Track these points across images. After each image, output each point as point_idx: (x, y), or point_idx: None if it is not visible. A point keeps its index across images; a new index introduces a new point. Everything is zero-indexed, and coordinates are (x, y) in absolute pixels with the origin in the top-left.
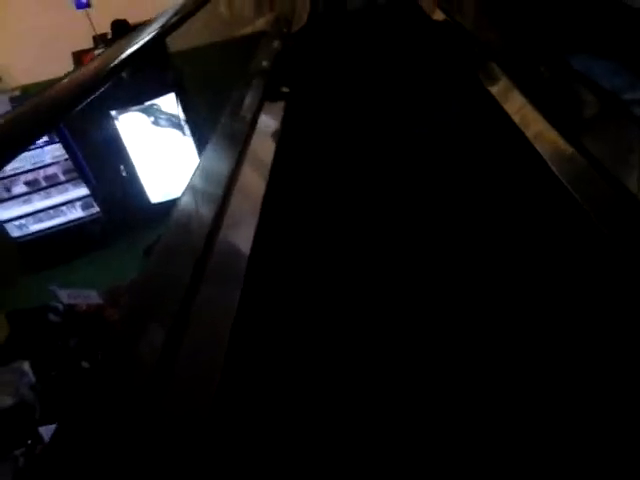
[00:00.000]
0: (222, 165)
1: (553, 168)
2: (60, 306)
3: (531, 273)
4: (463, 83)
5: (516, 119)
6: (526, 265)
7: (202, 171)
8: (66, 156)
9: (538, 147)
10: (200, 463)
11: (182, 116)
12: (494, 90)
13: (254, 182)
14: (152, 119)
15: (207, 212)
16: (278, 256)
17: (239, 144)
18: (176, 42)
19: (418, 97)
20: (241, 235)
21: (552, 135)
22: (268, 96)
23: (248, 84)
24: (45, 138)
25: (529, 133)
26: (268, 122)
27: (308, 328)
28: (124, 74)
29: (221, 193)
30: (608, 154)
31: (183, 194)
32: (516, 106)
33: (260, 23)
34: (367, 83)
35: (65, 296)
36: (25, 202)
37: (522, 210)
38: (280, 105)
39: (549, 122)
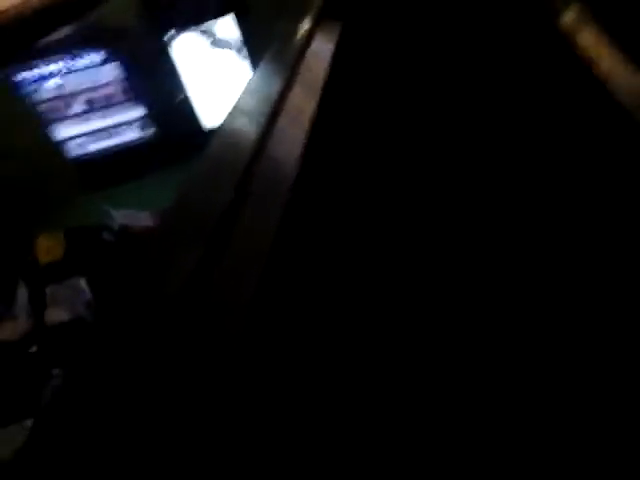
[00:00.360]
0: (270, 86)
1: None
2: (115, 226)
3: None
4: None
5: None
6: None
7: (250, 91)
8: (123, 76)
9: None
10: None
11: (240, 38)
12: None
13: (303, 105)
14: (210, 41)
15: (252, 133)
16: (321, 183)
17: (289, 65)
18: None
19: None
20: (286, 158)
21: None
22: (326, 15)
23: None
24: (102, 56)
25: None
26: (324, 44)
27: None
28: None
29: (267, 114)
30: None
31: (229, 113)
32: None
33: None
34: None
35: (119, 217)
36: (83, 121)
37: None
38: (337, 25)
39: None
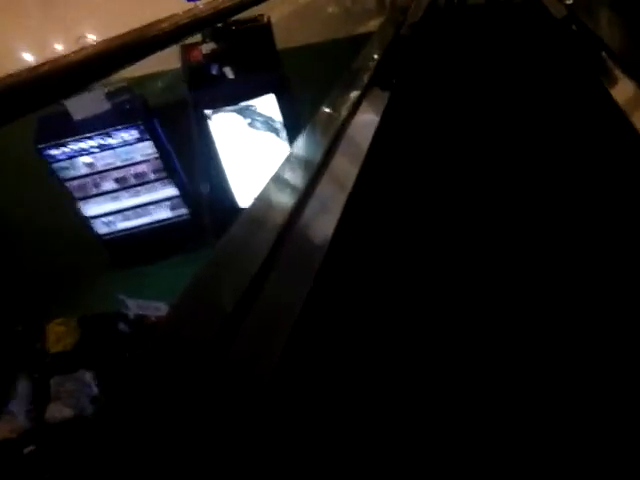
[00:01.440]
0: (310, 156)
1: None
2: (131, 314)
3: None
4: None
5: None
6: None
7: (288, 162)
8: (156, 154)
9: None
10: None
11: (280, 119)
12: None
13: (344, 174)
14: (248, 121)
15: (288, 201)
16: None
17: (332, 136)
18: (285, 38)
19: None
20: (319, 231)
21: None
22: (373, 87)
23: (353, 75)
24: (137, 135)
25: None
26: (369, 114)
27: None
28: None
29: (304, 186)
30: None
31: (266, 184)
32: None
33: (375, 23)
34: (481, 80)
35: (134, 306)
36: (113, 199)
37: None
38: (385, 96)
39: None
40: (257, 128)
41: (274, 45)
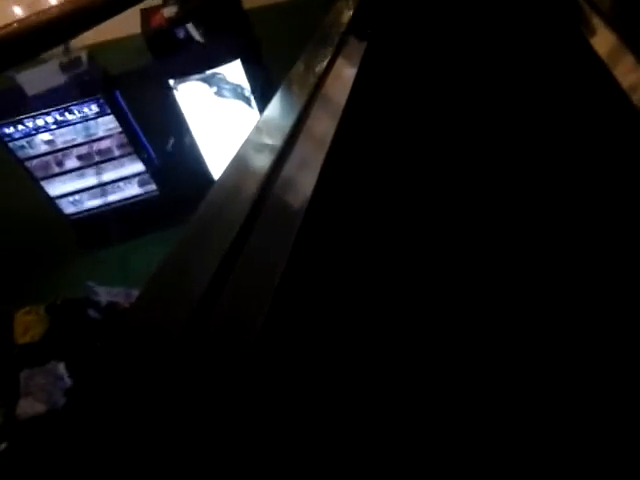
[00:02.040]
0: (283, 118)
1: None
2: (102, 301)
3: None
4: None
5: None
6: None
7: (260, 127)
8: (120, 129)
9: None
10: None
11: (249, 86)
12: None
13: (319, 134)
14: (215, 89)
15: (262, 167)
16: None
17: (305, 96)
18: None
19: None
20: (300, 188)
21: None
22: (347, 41)
23: (326, 31)
24: (97, 109)
25: None
26: (344, 69)
27: None
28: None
29: (278, 149)
30: None
31: (237, 151)
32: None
33: None
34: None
35: (104, 294)
36: (79, 177)
37: None
38: (361, 48)
39: None
40: (226, 97)
41: (240, 5)
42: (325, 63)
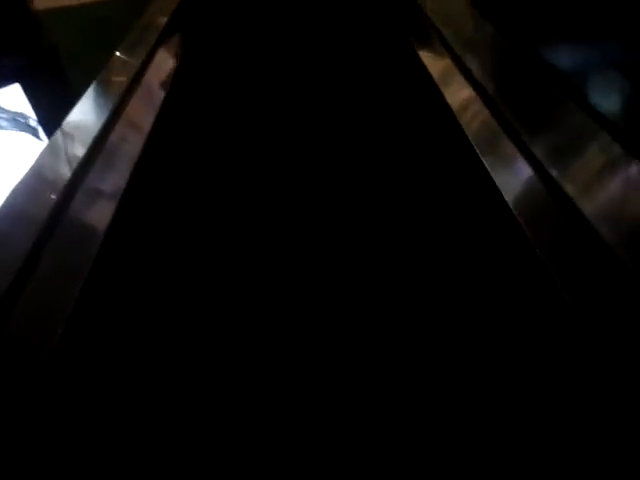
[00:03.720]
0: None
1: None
2: None
3: None
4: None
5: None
6: None
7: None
8: None
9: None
10: None
11: (33, 114)
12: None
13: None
14: None
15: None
16: None
17: (108, 113)
18: None
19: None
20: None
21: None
22: (158, 46)
23: (135, 39)
24: None
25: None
26: (153, 80)
27: None
28: None
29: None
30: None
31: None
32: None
33: None
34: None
35: None
36: None
37: None
38: (173, 54)
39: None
40: (1, 127)
41: (28, 10)
42: (131, 74)
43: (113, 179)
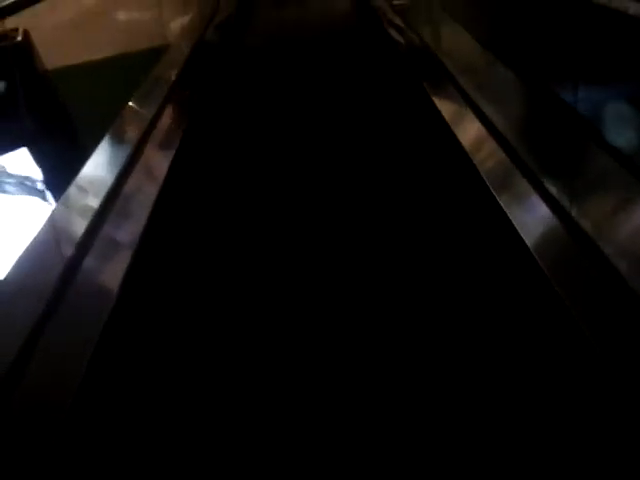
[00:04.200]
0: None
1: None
2: None
3: None
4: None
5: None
6: None
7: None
8: None
9: None
10: None
11: (41, 176)
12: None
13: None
14: None
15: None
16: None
17: (117, 173)
18: (60, 53)
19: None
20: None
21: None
22: (167, 106)
23: (144, 96)
24: None
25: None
26: (162, 143)
27: None
28: None
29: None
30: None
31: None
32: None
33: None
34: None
35: None
36: None
37: None
38: (182, 115)
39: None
40: (9, 193)
41: (36, 72)
42: (139, 135)
43: (121, 248)
